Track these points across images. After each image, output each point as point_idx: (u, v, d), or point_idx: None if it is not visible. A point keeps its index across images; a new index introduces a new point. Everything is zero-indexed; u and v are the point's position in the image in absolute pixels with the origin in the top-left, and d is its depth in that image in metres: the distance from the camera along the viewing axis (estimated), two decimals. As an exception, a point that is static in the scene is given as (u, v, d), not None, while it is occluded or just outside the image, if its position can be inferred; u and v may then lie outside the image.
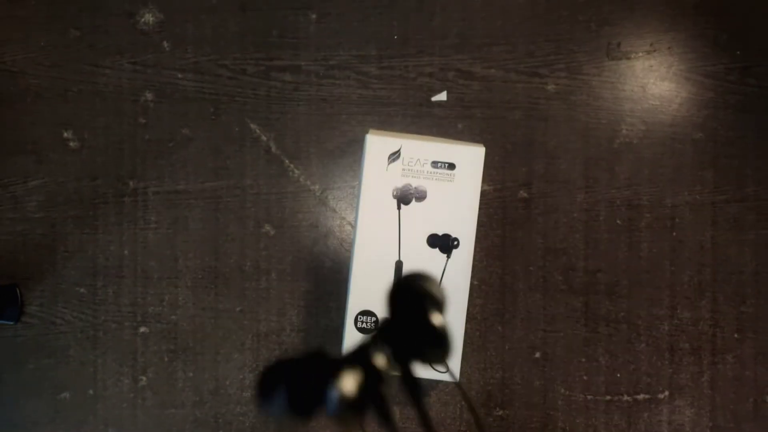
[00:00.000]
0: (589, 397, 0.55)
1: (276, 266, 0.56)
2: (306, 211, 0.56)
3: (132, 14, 0.56)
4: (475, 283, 0.55)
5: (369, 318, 0.46)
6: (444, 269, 0.45)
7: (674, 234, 0.56)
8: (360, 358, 0.16)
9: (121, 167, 0.56)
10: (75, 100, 0.56)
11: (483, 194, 0.55)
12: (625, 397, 0.55)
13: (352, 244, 0.46)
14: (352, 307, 0.46)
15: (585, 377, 0.55)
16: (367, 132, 0.48)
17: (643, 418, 0.55)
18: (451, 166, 0.45)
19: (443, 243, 0.45)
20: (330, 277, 0.56)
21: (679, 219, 0.56)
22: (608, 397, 0.55)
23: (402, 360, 0.17)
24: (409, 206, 0.45)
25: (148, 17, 0.56)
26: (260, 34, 0.56)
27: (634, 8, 0.56)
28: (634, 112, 0.56)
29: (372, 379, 0.16)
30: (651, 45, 0.56)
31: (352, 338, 0.46)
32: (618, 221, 0.56)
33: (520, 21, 0.56)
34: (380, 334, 0.17)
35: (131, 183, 0.56)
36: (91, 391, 0.56)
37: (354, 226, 0.49)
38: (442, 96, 0.56)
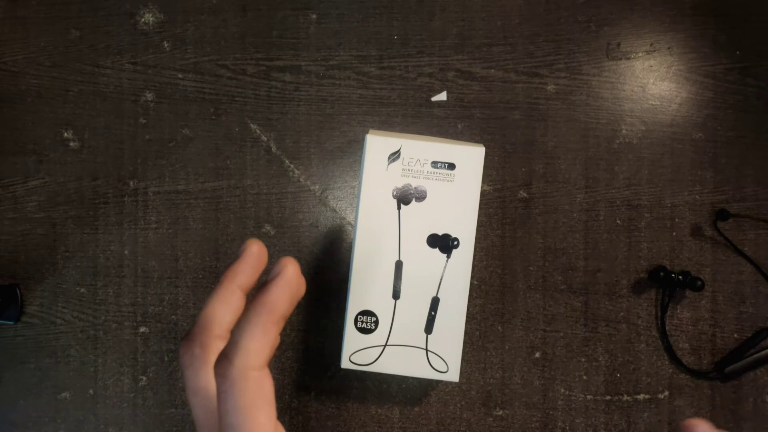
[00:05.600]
0: (589, 397, 0.55)
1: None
2: (306, 211, 0.56)
3: (132, 14, 0.56)
4: (475, 283, 0.55)
5: (369, 318, 0.46)
6: (444, 269, 0.45)
7: (674, 234, 0.56)
8: None
9: (122, 167, 0.56)
10: (75, 100, 0.56)
11: (483, 194, 0.56)
12: (625, 397, 0.55)
13: (352, 244, 0.46)
14: (352, 307, 0.46)
15: (585, 377, 0.55)
16: (367, 132, 0.48)
17: (643, 418, 0.55)
18: (451, 166, 0.45)
19: (443, 243, 0.45)
20: (330, 277, 0.56)
21: (679, 219, 0.56)
22: (608, 397, 0.55)
23: None
24: (409, 206, 0.45)
25: (149, 17, 0.56)
26: (260, 34, 0.56)
27: (633, 8, 0.56)
28: (634, 112, 0.56)
29: None
30: (651, 45, 0.56)
31: (352, 338, 0.46)
32: (618, 221, 0.56)
33: (519, 21, 0.56)
34: None
35: (131, 183, 0.56)
36: (91, 391, 0.56)
37: (354, 226, 0.49)
38: (442, 96, 0.56)
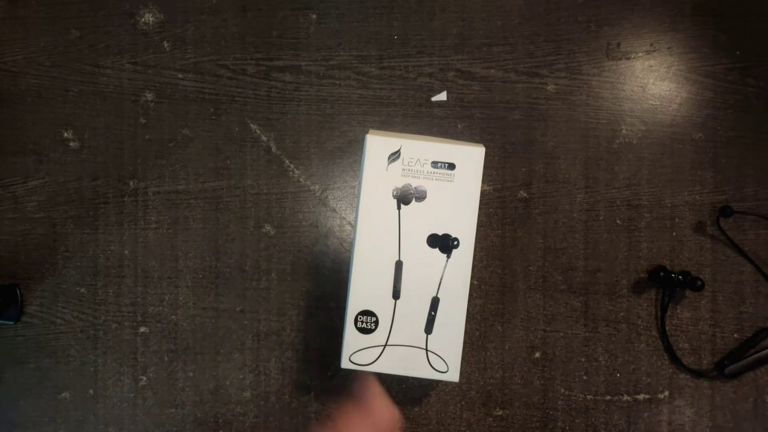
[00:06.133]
0: (589, 397, 0.55)
1: (276, 266, 0.56)
2: (306, 211, 0.56)
3: (132, 14, 0.56)
4: (475, 283, 0.55)
5: (369, 318, 0.46)
6: (444, 269, 0.45)
7: (674, 234, 0.56)
8: None
9: (122, 167, 0.56)
10: (75, 100, 0.56)
11: (483, 194, 0.55)
12: (625, 397, 0.55)
13: (352, 244, 0.46)
14: (352, 307, 0.46)
15: (585, 377, 0.55)
16: (367, 132, 0.48)
17: (643, 418, 0.55)
18: (451, 166, 0.45)
19: (443, 243, 0.45)
20: (330, 277, 0.56)
21: (679, 219, 0.56)
22: (608, 397, 0.55)
23: None
24: (409, 206, 0.45)
25: (149, 17, 0.56)
26: (260, 34, 0.56)
27: (633, 8, 0.56)
28: (634, 112, 0.56)
29: None
30: (651, 45, 0.56)
31: (352, 338, 0.46)
32: (618, 221, 0.56)
33: (519, 21, 0.56)
34: None
35: (131, 183, 0.56)
36: (91, 391, 0.56)
37: (354, 226, 0.49)
38: (442, 96, 0.56)
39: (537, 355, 0.55)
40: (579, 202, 0.56)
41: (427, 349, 0.46)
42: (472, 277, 0.49)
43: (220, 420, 0.55)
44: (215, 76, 0.56)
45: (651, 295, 0.56)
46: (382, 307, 0.46)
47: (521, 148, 0.56)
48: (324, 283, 0.56)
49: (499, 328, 0.56)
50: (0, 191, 0.56)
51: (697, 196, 0.56)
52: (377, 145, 0.45)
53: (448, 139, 0.49)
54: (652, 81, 0.56)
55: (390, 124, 0.56)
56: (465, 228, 0.45)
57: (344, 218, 0.56)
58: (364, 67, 0.56)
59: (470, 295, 0.54)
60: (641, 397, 0.55)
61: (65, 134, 0.56)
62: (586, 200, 0.56)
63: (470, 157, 0.45)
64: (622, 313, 0.55)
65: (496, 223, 0.56)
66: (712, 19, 0.56)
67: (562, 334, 0.55)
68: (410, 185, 0.45)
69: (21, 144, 0.56)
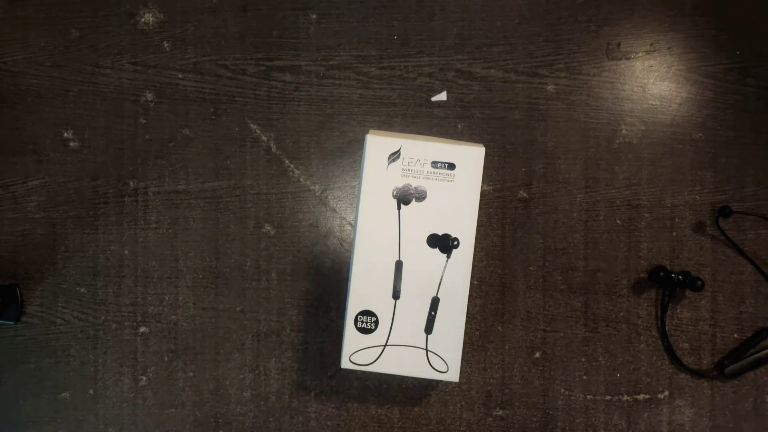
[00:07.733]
0: (588, 397, 0.55)
1: (276, 266, 0.56)
2: (306, 211, 0.56)
3: (132, 14, 0.56)
4: (475, 283, 0.55)
5: (369, 318, 0.46)
6: (444, 269, 0.45)
7: (674, 234, 0.56)
8: None
9: (122, 167, 0.56)
10: (75, 100, 0.56)
11: (483, 194, 0.56)
12: (625, 397, 0.55)
13: (352, 244, 0.46)
14: (352, 307, 0.46)
15: (585, 377, 0.55)
16: (367, 132, 0.48)
17: (643, 418, 0.55)
18: (451, 166, 0.45)
19: (443, 243, 0.45)
20: (330, 277, 0.56)
21: (679, 219, 0.56)
22: (608, 397, 0.55)
23: None
24: (409, 206, 0.45)
25: (149, 17, 0.56)
26: (260, 34, 0.56)
27: (633, 8, 0.56)
28: (634, 112, 0.56)
29: None
30: (651, 45, 0.56)
31: (352, 338, 0.46)
32: (618, 221, 0.56)
33: (519, 21, 0.56)
34: None
35: (131, 183, 0.56)
36: (91, 391, 0.56)
37: (354, 226, 0.49)
38: (442, 96, 0.56)
39: (537, 355, 0.55)
40: (579, 202, 0.56)
41: (427, 349, 0.46)
42: (472, 277, 0.49)
43: (220, 420, 0.55)
44: (215, 76, 0.56)
45: (651, 295, 0.56)
46: (382, 307, 0.46)
47: (521, 148, 0.56)
48: (324, 283, 0.56)
49: (499, 328, 0.56)
50: (0, 191, 0.56)
51: (697, 196, 0.56)
52: (377, 145, 0.45)
53: (448, 139, 0.49)
54: (652, 81, 0.56)
55: (390, 124, 0.56)
56: (465, 228, 0.45)
57: (344, 218, 0.56)
58: (364, 67, 0.56)
59: (470, 295, 0.54)
60: (641, 397, 0.55)
61: (65, 134, 0.56)
62: (586, 200, 0.56)
63: (470, 157, 0.45)
64: (622, 313, 0.55)
65: (496, 223, 0.56)
66: (712, 19, 0.56)
67: (562, 334, 0.55)
68: (410, 185, 0.45)
69: (21, 144, 0.56)
